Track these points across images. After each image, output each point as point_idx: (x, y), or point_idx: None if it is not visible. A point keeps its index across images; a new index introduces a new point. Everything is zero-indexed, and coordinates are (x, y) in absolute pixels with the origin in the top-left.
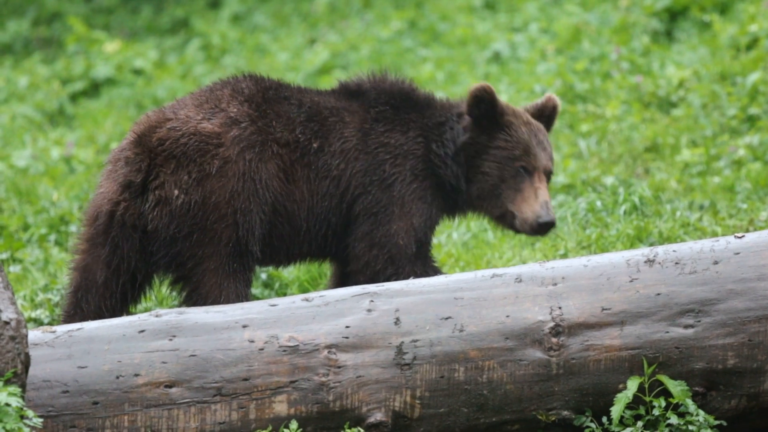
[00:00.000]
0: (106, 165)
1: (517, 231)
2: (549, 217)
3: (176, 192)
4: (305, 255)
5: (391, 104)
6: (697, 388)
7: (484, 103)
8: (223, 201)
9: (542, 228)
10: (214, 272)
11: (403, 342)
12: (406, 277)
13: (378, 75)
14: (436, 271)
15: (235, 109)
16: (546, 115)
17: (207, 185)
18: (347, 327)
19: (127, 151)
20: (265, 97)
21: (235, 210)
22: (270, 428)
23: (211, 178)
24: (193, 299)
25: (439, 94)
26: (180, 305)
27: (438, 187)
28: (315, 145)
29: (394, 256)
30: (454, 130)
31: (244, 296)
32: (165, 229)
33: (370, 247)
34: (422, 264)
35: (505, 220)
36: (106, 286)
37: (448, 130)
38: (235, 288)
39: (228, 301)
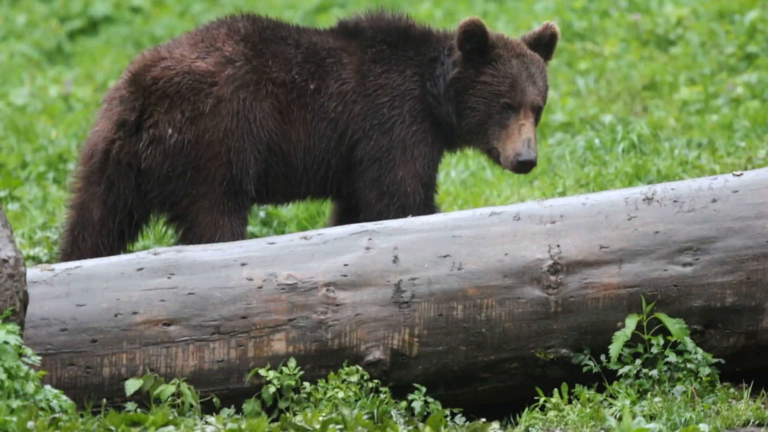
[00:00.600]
0: (102, 104)
1: (503, 167)
2: (529, 156)
3: (170, 131)
4: (304, 195)
5: (388, 42)
6: (695, 327)
7: (475, 36)
8: (217, 139)
9: (522, 166)
10: (208, 211)
11: (401, 280)
12: None
13: (375, 13)
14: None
15: (230, 49)
16: (544, 43)
17: (200, 124)
18: (346, 265)
19: (122, 90)
20: (261, 37)
21: (229, 148)
22: (268, 366)
23: (205, 116)
24: (188, 238)
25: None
26: (176, 244)
27: (436, 125)
28: (312, 86)
29: (405, 204)
30: (445, 65)
31: (240, 234)
32: (159, 168)
33: (380, 196)
34: (429, 210)
35: (492, 156)
36: (103, 223)
37: (439, 66)
38: (230, 226)
39: (223, 239)
